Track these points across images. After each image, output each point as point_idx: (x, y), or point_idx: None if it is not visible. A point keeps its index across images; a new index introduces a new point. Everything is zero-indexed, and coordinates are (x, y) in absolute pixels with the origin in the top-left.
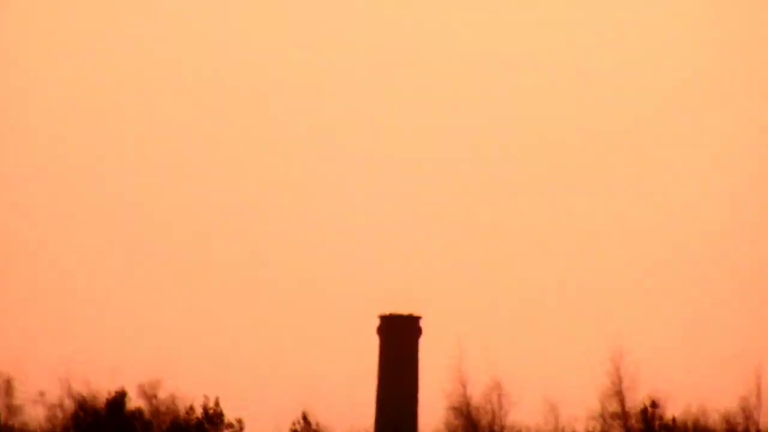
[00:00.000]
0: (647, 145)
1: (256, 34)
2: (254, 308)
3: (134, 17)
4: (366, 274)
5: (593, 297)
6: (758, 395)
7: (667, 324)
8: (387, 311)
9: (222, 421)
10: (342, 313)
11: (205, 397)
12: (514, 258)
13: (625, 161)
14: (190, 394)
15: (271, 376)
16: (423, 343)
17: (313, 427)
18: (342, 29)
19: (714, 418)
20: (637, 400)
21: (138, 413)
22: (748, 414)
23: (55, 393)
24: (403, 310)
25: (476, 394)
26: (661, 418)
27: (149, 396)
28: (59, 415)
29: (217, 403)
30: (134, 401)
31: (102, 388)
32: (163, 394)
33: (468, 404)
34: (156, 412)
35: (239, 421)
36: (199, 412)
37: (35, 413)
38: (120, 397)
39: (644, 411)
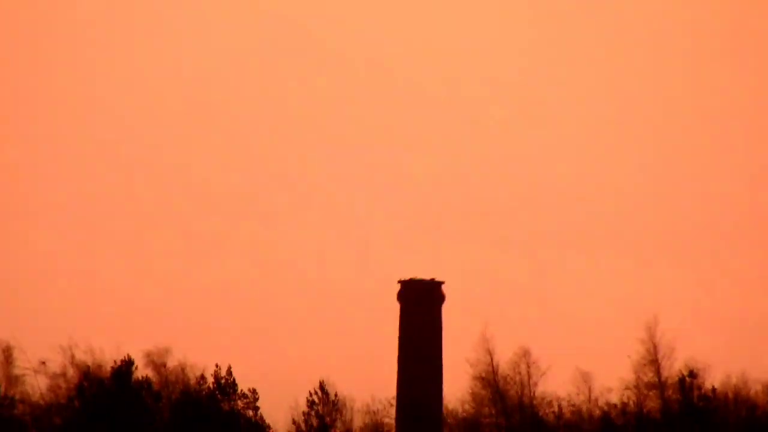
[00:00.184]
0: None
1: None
2: (268, 273)
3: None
4: (386, 238)
5: (626, 262)
6: None
7: (705, 289)
8: (408, 276)
9: (235, 391)
10: (361, 279)
11: (217, 365)
12: (542, 222)
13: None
14: (201, 362)
15: (286, 345)
16: (446, 309)
17: (331, 397)
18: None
19: (756, 389)
20: (673, 369)
21: (146, 383)
22: None
23: (57, 362)
24: (425, 275)
25: (503, 363)
26: (699, 388)
27: (157, 365)
28: (62, 385)
29: (229, 372)
30: (141, 370)
31: (107, 357)
32: (172, 363)
33: (495, 374)
34: (165, 381)
35: (253, 392)
36: (210, 381)
37: (36, 383)
38: (126, 366)
39: (682, 381)
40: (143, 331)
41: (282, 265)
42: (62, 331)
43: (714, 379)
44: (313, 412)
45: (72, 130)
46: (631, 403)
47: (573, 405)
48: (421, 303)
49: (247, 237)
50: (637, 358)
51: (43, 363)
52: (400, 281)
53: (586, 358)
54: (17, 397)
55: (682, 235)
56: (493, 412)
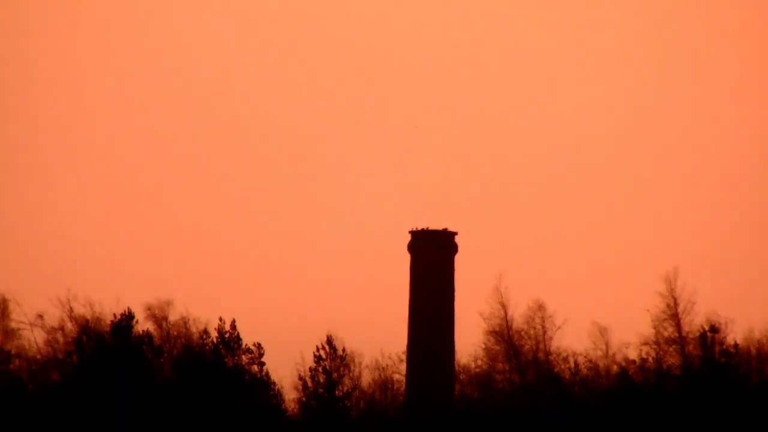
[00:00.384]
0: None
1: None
2: (273, 223)
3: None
4: (395, 185)
5: (645, 213)
6: None
7: (727, 240)
8: (419, 226)
9: (239, 345)
10: (370, 229)
11: (221, 319)
12: (559, 173)
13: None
14: (204, 316)
15: (292, 297)
16: (458, 261)
17: (339, 352)
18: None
19: None
20: (694, 324)
21: (146, 337)
22: None
23: (55, 315)
24: (437, 224)
25: (517, 317)
26: (721, 343)
27: (158, 318)
28: (60, 339)
29: (233, 326)
30: (142, 324)
31: (107, 310)
32: (173, 317)
33: (509, 328)
34: (166, 336)
35: (258, 346)
36: (213, 335)
37: (33, 337)
38: (126, 320)
39: (702, 336)
40: (144, 283)
41: (288, 215)
42: (60, 283)
43: (736, 333)
44: (320, 368)
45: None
46: (650, 359)
47: (590, 361)
48: (432, 254)
49: (251, 186)
50: (656, 312)
51: (41, 316)
52: (411, 231)
53: (603, 312)
54: (13, 351)
55: (703, 183)
56: (507, 367)
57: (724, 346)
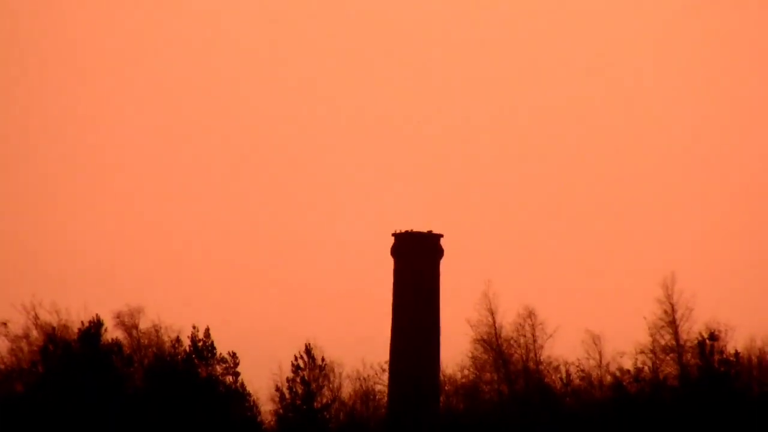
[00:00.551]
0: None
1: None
2: (248, 226)
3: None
4: (378, 185)
5: (640, 214)
6: None
7: (727, 244)
8: (402, 228)
9: (213, 354)
10: (350, 231)
11: (194, 327)
12: (549, 171)
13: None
14: (176, 324)
15: (269, 304)
16: (444, 265)
17: (318, 362)
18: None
19: None
20: (692, 332)
21: (116, 346)
22: None
23: (19, 323)
24: (421, 227)
25: (506, 325)
26: (721, 352)
27: (128, 326)
28: (24, 348)
29: (207, 334)
30: (111, 332)
31: (74, 318)
32: (144, 324)
33: (497, 336)
34: (137, 344)
35: (233, 356)
36: (186, 344)
37: None
38: (95, 328)
39: (701, 344)
40: (113, 289)
41: (264, 217)
42: (24, 289)
43: (737, 341)
44: (298, 378)
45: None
46: (646, 368)
47: (582, 370)
48: (417, 258)
49: (226, 187)
50: (652, 319)
51: (4, 324)
52: (394, 234)
53: (596, 319)
54: None
55: (701, 183)
56: (495, 378)
57: (724, 355)
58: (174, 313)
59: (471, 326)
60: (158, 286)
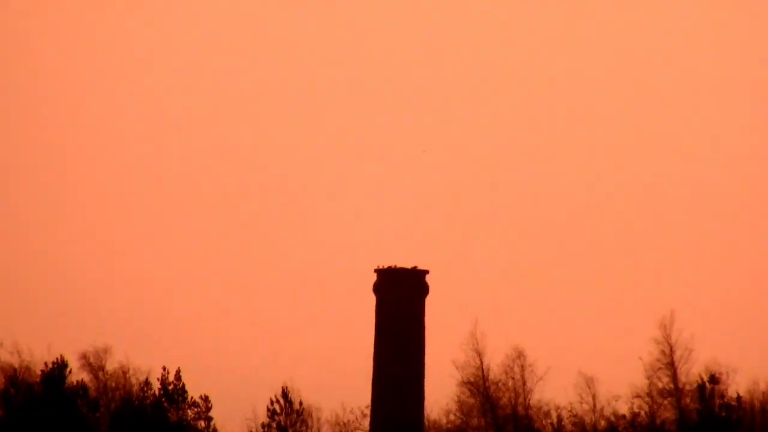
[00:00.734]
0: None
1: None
2: (221, 260)
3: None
4: (359, 218)
5: (637, 251)
6: None
7: (727, 283)
8: (385, 264)
9: (184, 398)
10: (330, 266)
11: (164, 369)
12: (539, 206)
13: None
14: (145, 365)
15: (243, 345)
16: (429, 303)
17: (295, 406)
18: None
19: None
20: (692, 374)
21: (81, 389)
22: None
23: None
24: (406, 262)
25: (494, 366)
26: (722, 395)
27: (95, 368)
28: None
29: (178, 377)
30: (76, 374)
31: (37, 358)
32: (111, 366)
33: (485, 378)
34: (103, 387)
35: (205, 399)
36: (156, 387)
37: None
38: (59, 370)
39: (701, 387)
40: (78, 329)
41: (237, 249)
42: None
43: (738, 385)
44: (274, 424)
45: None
46: (642, 413)
47: (575, 415)
48: (400, 295)
49: (196, 219)
50: (649, 360)
51: None
52: (376, 269)
53: (590, 361)
54: None
55: (700, 218)
56: (483, 423)
57: (725, 399)
58: (143, 353)
59: (457, 368)
60: (126, 325)
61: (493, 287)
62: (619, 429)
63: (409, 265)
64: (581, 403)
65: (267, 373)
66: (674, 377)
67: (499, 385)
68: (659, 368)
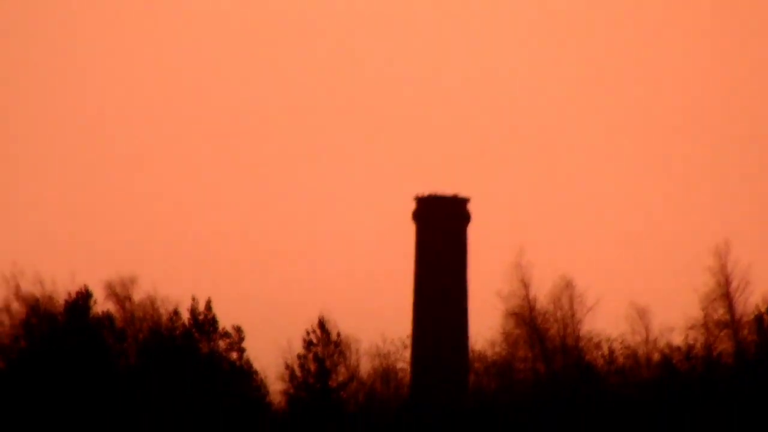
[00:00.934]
0: None
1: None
2: (256, 188)
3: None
4: (398, 145)
5: (691, 175)
6: None
7: None
8: (425, 191)
9: (215, 329)
10: (368, 194)
11: (193, 298)
12: (587, 129)
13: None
14: (174, 295)
15: (278, 274)
16: (472, 231)
17: (333, 336)
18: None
19: None
20: (749, 305)
21: (107, 319)
22: None
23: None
24: (446, 190)
25: (541, 297)
26: None
27: (121, 298)
28: (5, 321)
29: (208, 307)
30: (101, 304)
31: (60, 288)
32: (138, 296)
33: (531, 309)
34: (130, 318)
35: (238, 330)
36: (185, 317)
37: None
38: (83, 300)
39: (758, 318)
40: (103, 257)
41: (273, 178)
42: (4, 257)
43: None
44: (310, 355)
45: None
46: (697, 345)
47: (627, 347)
48: (441, 224)
49: (233, 144)
50: (705, 291)
51: None
52: (416, 197)
53: (642, 291)
54: None
55: (756, 147)
56: (530, 355)
57: None
58: (171, 283)
59: (502, 299)
60: (154, 253)
61: (538, 215)
62: (674, 361)
63: (450, 193)
64: (633, 334)
65: (302, 303)
66: (730, 308)
67: (547, 316)
68: (715, 299)
